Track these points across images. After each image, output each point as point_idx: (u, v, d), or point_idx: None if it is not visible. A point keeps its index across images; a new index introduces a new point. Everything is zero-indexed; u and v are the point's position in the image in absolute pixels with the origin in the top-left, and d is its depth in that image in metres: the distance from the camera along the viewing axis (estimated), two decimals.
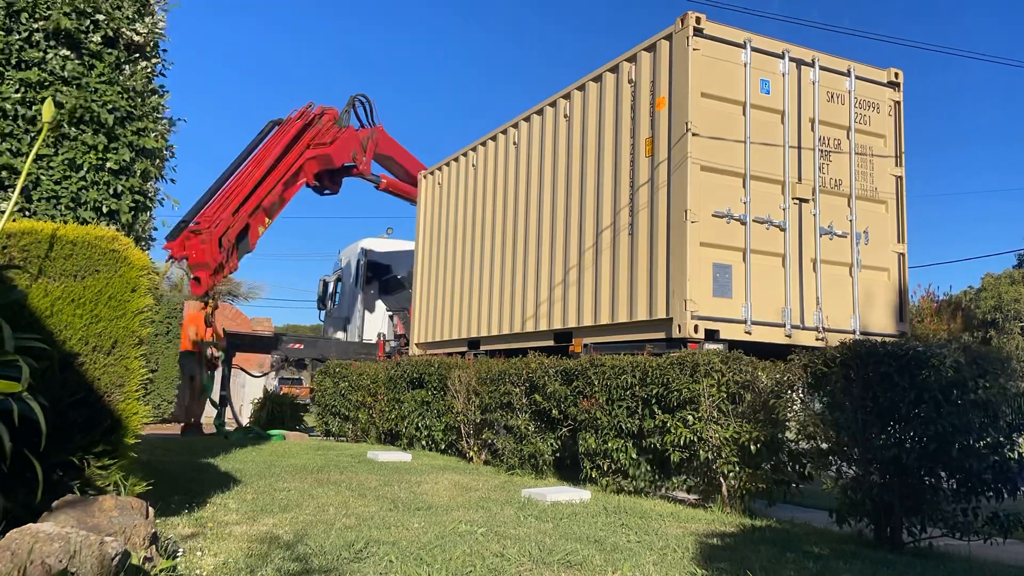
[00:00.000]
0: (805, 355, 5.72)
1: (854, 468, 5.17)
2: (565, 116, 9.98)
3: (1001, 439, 4.77)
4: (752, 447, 5.73)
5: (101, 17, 5.63)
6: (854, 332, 8.12)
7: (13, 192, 4.86)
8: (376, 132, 15.29)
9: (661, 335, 7.82)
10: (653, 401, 6.49)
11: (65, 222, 5.08)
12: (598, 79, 9.30)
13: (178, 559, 3.68)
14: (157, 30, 6.06)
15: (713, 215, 7.70)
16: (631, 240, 8.39)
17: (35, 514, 3.26)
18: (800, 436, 5.77)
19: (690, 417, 6.16)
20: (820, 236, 8.21)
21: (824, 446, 5.45)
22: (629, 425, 6.61)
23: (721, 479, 6.00)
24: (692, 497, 6.34)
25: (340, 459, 8.83)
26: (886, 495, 4.86)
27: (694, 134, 7.66)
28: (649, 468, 6.61)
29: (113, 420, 4.13)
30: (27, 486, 3.45)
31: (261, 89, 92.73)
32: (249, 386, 19.43)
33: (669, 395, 6.31)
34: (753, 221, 7.88)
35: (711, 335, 7.47)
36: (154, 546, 3.40)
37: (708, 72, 7.85)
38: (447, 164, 13.58)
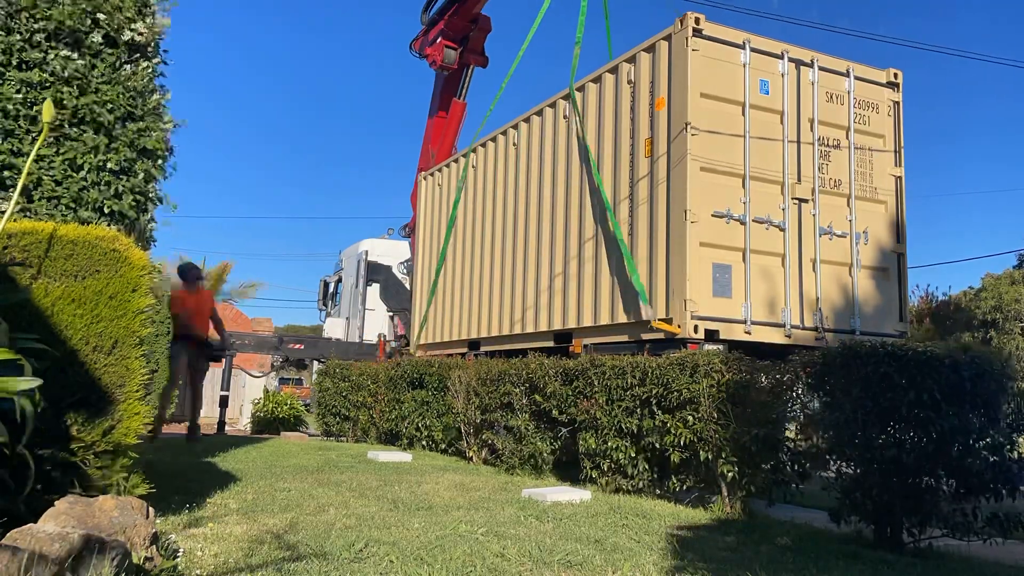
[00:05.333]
0: (805, 355, 5.73)
1: (854, 468, 5.17)
2: (564, 117, 9.97)
3: (1001, 439, 4.78)
4: (752, 447, 5.74)
5: (102, 17, 5.63)
6: (854, 332, 8.12)
7: (14, 192, 4.87)
8: None
9: (661, 335, 7.82)
10: (653, 401, 6.49)
11: (66, 222, 5.08)
12: (597, 80, 9.30)
13: (178, 559, 3.68)
14: (158, 30, 6.06)
15: (713, 215, 7.70)
16: (631, 241, 8.40)
17: (35, 514, 3.27)
18: (800, 436, 5.78)
19: (690, 417, 6.16)
20: (820, 236, 8.21)
21: (824, 446, 5.47)
22: (629, 425, 6.61)
23: (721, 479, 6.00)
24: (692, 497, 6.34)
25: (340, 459, 8.84)
26: (886, 495, 4.86)
27: (693, 134, 7.66)
28: (649, 468, 6.61)
29: (114, 420, 4.13)
30: (27, 486, 3.46)
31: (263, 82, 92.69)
32: (249, 386, 19.43)
33: (669, 395, 6.31)
34: (753, 221, 7.88)
35: (711, 335, 7.47)
36: (154, 546, 3.41)
37: (707, 72, 7.86)
38: (447, 166, 13.58)
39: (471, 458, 9.07)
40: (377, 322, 17.48)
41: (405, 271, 17.27)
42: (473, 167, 12.43)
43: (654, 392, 6.46)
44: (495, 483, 7.07)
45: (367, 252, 18.00)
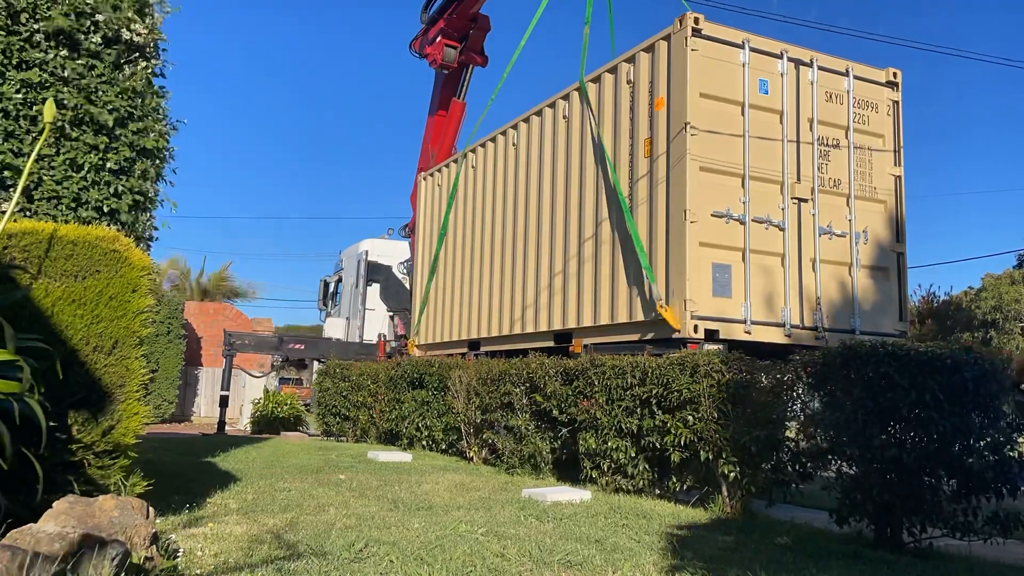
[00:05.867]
0: (806, 355, 5.73)
1: (854, 468, 5.17)
2: (564, 117, 9.97)
3: (1001, 439, 4.78)
4: (752, 447, 5.73)
5: (101, 18, 5.64)
6: (854, 332, 8.12)
7: (15, 192, 4.87)
8: None
9: (660, 335, 7.81)
10: (653, 401, 6.49)
11: (66, 222, 5.08)
12: (597, 80, 9.30)
13: (178, 559, 3.68)
14: (157, 31, 6.06)
15: (712, 215, 7.69)
16: (630, 244, 8.38)
17: (35, 514, 3.27)
18: (800, 436, 5.78)
19: (690, 417, 6.16)
20: (819, 236, 8.20)
21: (824, 446, 5.46)
22: (629, 425, 6.61)
23: (721, 479, 6.00)
24: (692, 497, 6.34)
25: (340, 459, 8.84)
26: (886, 495, 4.86)
27: (693, 134, 7.65)
28: (649, 468, 6.61)
29: (113, 420, 4.13)
30: (27, 486, 3.46)
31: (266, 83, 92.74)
32: (249, 386, 19.43)
33: (669, 395, 6.31)
34: (752, 221, 7.87)
35: (711, 335, 7.47)
36: (155, 546, 3.40)
37: (707, 72, 7.85)
38: (446, 166, 13.59)
39: (471, 458, 9.07)
40: (377, 322, 17.48)
41: (405, 271, 17.27)
42: (473, 167, 12.42)
43: (654, 392, 6.45)
44: (495, 483, 7.07)
45: (367, 252, 18.00)
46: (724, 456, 5.92)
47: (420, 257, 14.17)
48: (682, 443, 6.16)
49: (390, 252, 18.19)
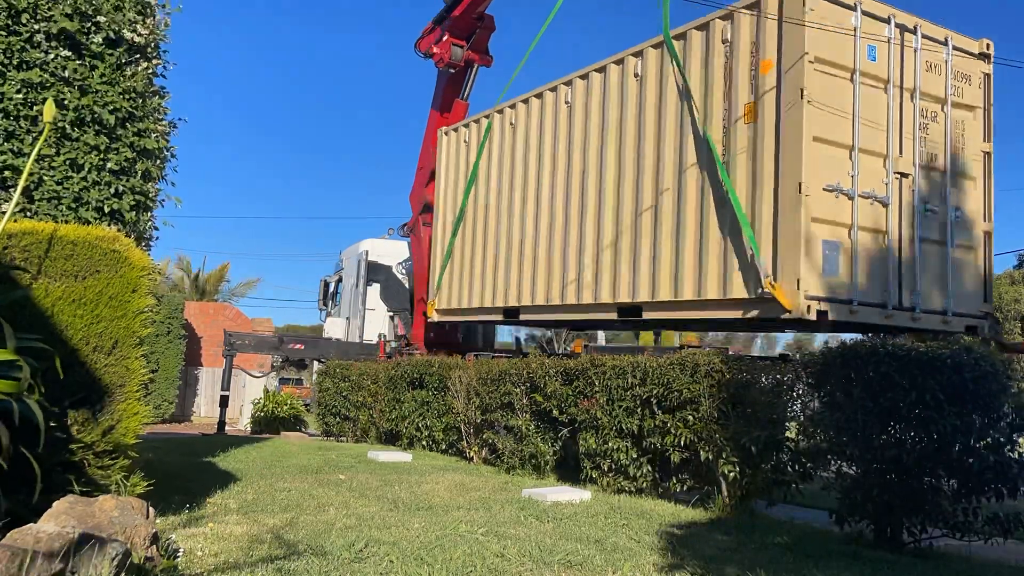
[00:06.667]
0: (806, 355, 5.71)
1: (854, 468, 5.17)
2: (636, 75, 9.15)
3: (1001, 439, 4.78)
4: (752, 447, 5.74)
5: (102, 18, 5.64)
6: (945, 312, 7.63)
7: (15, 192, 4.87)
8: None
9: (755, 313, 7.21)
10: (654, 401, 6.50)
11: (66, 222, 5.09)
12: (682, 37, 8.51)
13: (179, 559, 3.69)
14: (159, 31, 6.07)
15: (824, 189, 7.12)
16: (725, 212, 7.74)
17: (36, 514, 3.27)
18: (800, 436, 5.78)
19: (691, 417, 6.17)
20: (918, 212, 7.68)
21: (824, 446, 5.46)
22: (629, 425, 6.62)
23: (721, 479, 6.01)
24: (692, 497, 6.35)
25: (341, 459, 8.84)
26: (886, 495, 4.86)
27: (808, 102, 7.11)
28: (649, 468, 6.61)
29: (113, 420, 4.13)
30: (28, 486, 3.46)
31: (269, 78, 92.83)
32: (249, 386, 19.42)
33: (670, 395, 6.32)
34: (859, 196, 7.31)
35: (822, 316, 6.87)
36: (155, 546, 3.41)
37: (820, 36, 7.24)
38: (476, 121, 12.62)
39: (471, 458, 9.07)
40: (377, 322, 17.46)
41: (405, 271, 17.26)
42: (512, 124, 11.39)
43: (655, 392, 6.46)
44: (495, 483, 7.07)
45: (367, 252, 17.99)
46: (724, 456, 5.92)
47: (442, 214, 13.19)
48: (682, 443, 6.16)
49: (390, 252, 18.16)
